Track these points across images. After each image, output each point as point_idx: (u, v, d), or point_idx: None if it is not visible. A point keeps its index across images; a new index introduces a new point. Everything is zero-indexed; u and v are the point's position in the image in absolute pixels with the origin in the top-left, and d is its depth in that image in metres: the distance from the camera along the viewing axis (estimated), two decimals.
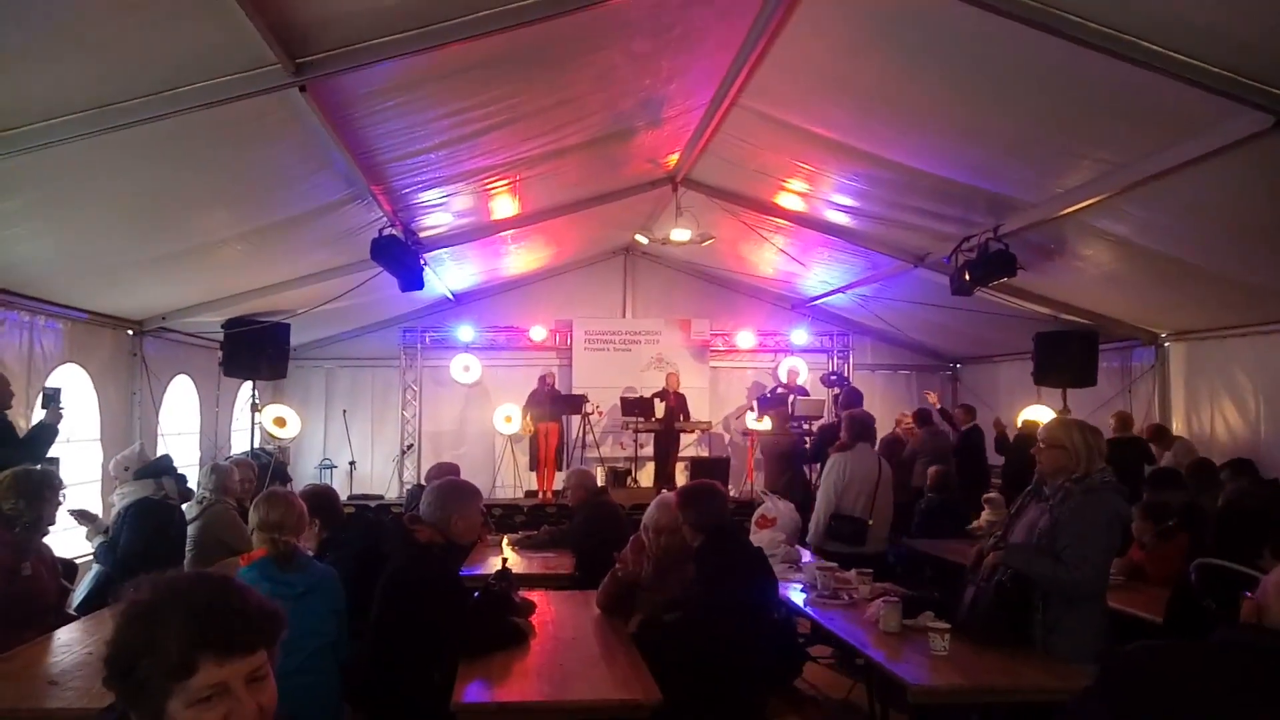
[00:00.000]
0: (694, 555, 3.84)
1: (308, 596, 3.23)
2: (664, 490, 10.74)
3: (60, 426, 5.72)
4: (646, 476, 11.98)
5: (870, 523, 5.86)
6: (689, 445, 12.49)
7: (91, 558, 5.22)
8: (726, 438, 13.04)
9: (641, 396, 11.80)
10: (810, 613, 4.37)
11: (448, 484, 3.77)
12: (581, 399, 11.92)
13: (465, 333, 12.55)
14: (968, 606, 3.68)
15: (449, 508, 3.57)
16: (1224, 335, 8.30)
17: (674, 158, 8.54)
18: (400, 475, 12.39)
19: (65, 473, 6.27)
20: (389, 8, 4.21)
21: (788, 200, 8.78)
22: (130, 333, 8.08)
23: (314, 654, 3.19)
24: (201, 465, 8.14)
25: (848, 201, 8.24)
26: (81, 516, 5.22)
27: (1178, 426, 8.85)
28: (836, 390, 11.78)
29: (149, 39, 3.82)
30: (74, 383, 7.29)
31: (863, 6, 5.03)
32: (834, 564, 5.03)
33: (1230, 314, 7.95)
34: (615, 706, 2.98)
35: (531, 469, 12.05)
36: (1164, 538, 4.90)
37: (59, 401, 5.81)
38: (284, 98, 4.52)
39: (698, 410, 12.27)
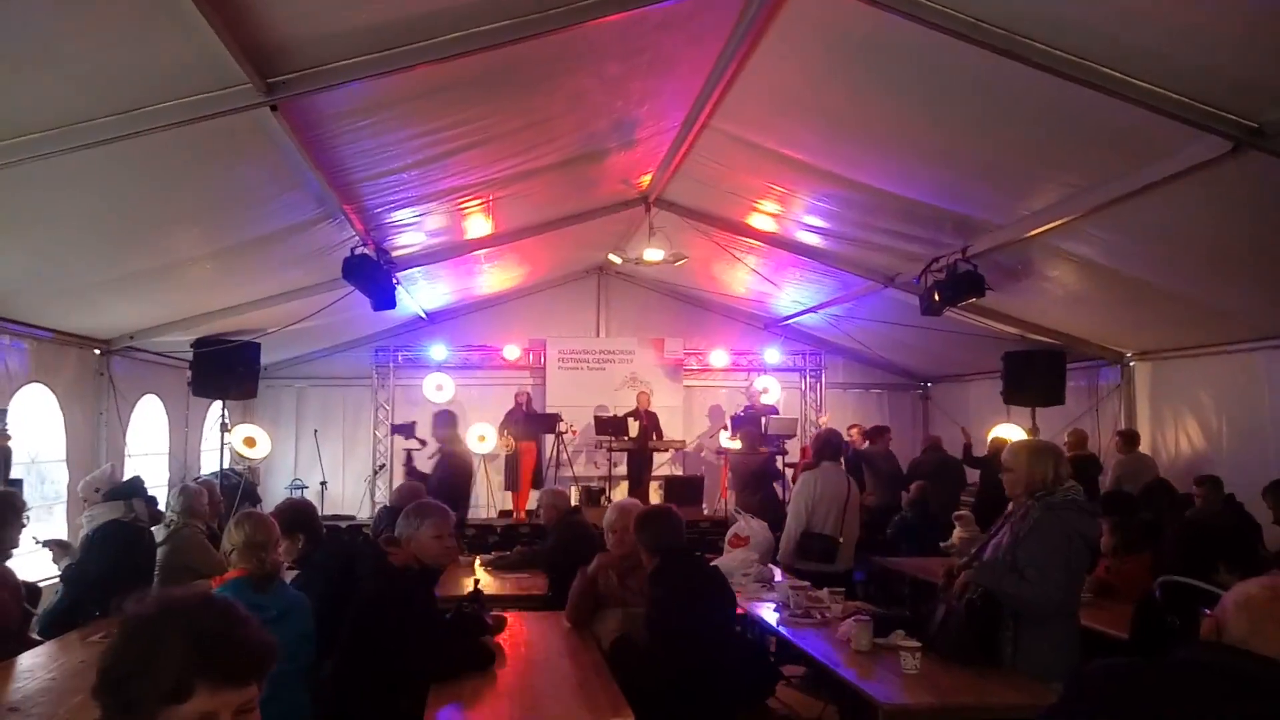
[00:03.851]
0: (649, 578, 3.86)
1: (279, 621, 3.19)
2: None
3: (11, 446, 5.65)
4: (620, 495, 11.94)
5: (840, 540, 5.91)
6: (663, 464, 12.49)
7: (58, 580, 5.13)
8: (703, 453, 13.04)
9: (615, 415, 11.79)
10: (782, 632, 4.39)
11: (416, 506, 3.76)
12: (555, 418, 11.90)
13: (438, 352, 12.50)
14: (939, 625, 3.71)
15: (421, 528, 3.55)
16: (1188, 355, 8.45)
17: (646, 178, 8.58)
18: (372, 495, 12.29)
19: (29, 494, 6.19)
20: (361, 29, 4.22)
21: (759, 221, 8.85)
22: (97, 352, 7.97)
23: (285, 679, 3.15)
24: (170, 486, 8.04)
25: (819, 222, 8.32)
26: (58, 546, 5.13)
27: (1144, 445, 8.97)
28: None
29: (118, 58, 3.80)
30: (39, 403, 7.20)
31: (832, 31, 5.10)
32: (806, 583, 5.05)
33: (1193, 334, 8.10)
34: None
35: (507, 489, 11.99)
36: (1128, 551, 4.97)
37: (3, 422, 5.75)
38: (255, 117, 4.50)
39: (671, 429, 12.28)
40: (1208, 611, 1.81)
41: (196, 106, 4.18)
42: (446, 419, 8.73)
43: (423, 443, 9.29)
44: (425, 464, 8.84)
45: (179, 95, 4.12)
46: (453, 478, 8.19)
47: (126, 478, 5.51)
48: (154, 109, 4.12)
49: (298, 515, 4.27)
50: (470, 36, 4.47)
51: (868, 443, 10.65)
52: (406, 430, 10.01)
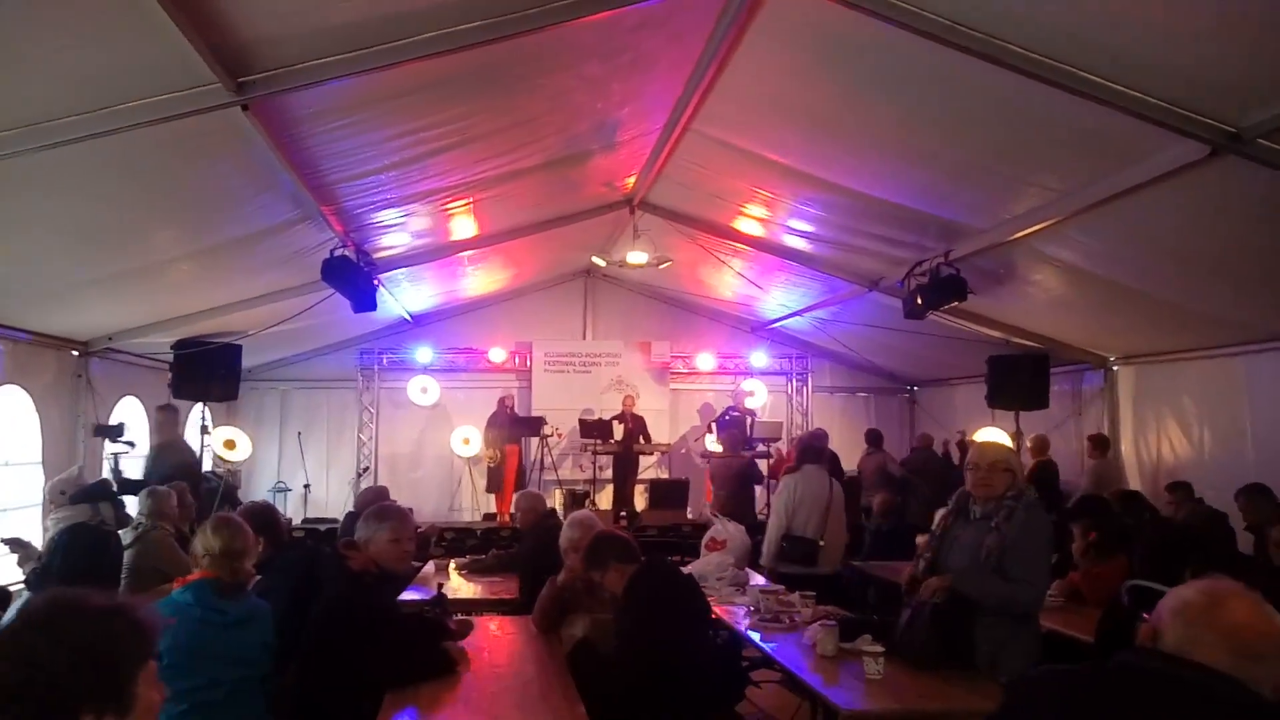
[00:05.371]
0: (627, 586, 3.82)
1: (239, 627, 3.16)
2: (622, 512, 10.83)
3: None
4: (606, 499, 11.92)
5: (821, 543, 5.89)
6: (648, 467, 12.46)
7: (23, 585, 5.08)
8: (684, 451, 12.99)
9: (600, 419, 11.76)
10: (751, 636, 4.36)
11: (375, 509, 3.73)
12: (540, 421, 11.86)
13: (423, 354, 12.46)
14: (903, 629, 3.69)
15: (379, 532, 3.52)
16: (1170, 359, 8.45)
17: (630, 181, 8.56)
18: (355, 500, 12.22)
19: (3, 497, 6.14)
20: (334, 28, 4.20)
21: (744, 224, 8.85)
22: (75, 353, 7.93)
23: (241, 685, 3.12)
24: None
25: (803, 226, 8.32)
26: (15, 545, 5.09)
27: (1126, 449, 9.00)
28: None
29: (82, 56, 3.78)
30: (15, 405, 7.15)
31: (810, 34, 5.09)
32: (779, 586, 5.03)
33: (1176, 338, 8.10)
34: None
35: (488, 491, 11.95)
36: (1102, 555, 4.96)
37: None
38: (226, 116, 4.47)
39: (658, 432, 12.24)
40: (1145, 616, 1.80)
41: (164, 106, 4.16)
42: (171, 413, 8.15)
43: (131, 445, 7.98)
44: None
45: (146, 95, 4.10)
46: (179, 472, 7.48)
47: (94, 480, 5.45)
48: (121, 108, 4.10)
49: (259, 518, 4.21)
50: (445, 36, 4.46)
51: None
52: (113, 432, 8.18)
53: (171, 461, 7.57)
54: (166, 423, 7.84)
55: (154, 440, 8.00)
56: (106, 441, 7.66)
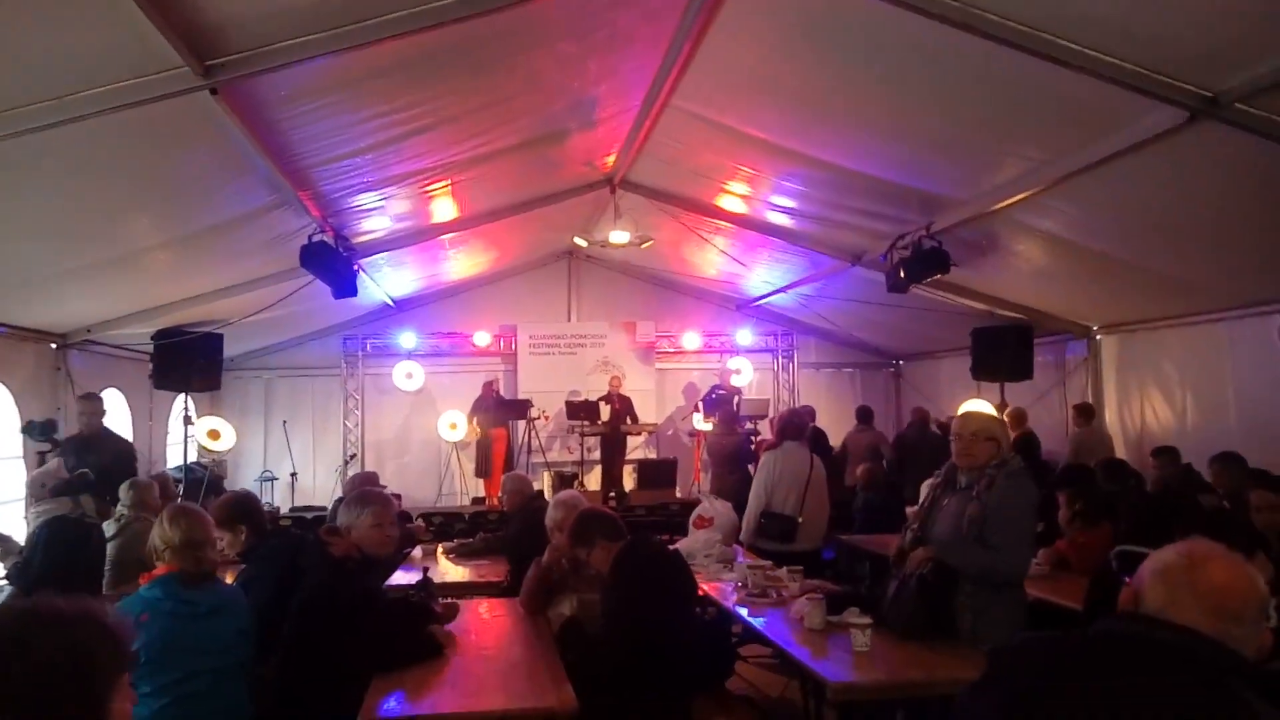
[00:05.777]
0: (612, 565, 3.80)
1: (213, 616, 3.12)
2: (611, 493, 10.83)
3: None
4: (594, 480, 11.92)
5: (800, 520, 5.88)
6: (636, 447, 12.46)
7: (4, 580, 5.04)
8: (671, 432, 13.00)
9: (587, 400, 11.75)
10: (739, 611, 4.35)
11: (356, 494, 3.69)
12: (526, 404, 11.84)
13: (407, 339, 12.40)
14: (890, 600, 3.69)
15: (361, 517, 3.50)
16: (1153, 327, 8.47)
17: (611, 159, 8.50)
18: (344, 486, 12.17)
19: None
20: (302, 8, 4.13)
21: (727, 201, 8.80)
22: (54, 346, 7.85)
23: (222, 675, 3.09)
24: None
25: (784, 202, 8.28)
26: None
27: (1110, 417, 9.04)
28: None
29: (43, 43, 3.70)
30: None
31: (785, 9, 5.04)
32: (767, 562, 5.03)
33: (1158, 306, 8.12)
34: (529, 715, 2.94)
35: (478, 475, 11.93)
36: (1087, 524, 4.98)
37: None
38: (195, 101, 4.40)
39: (644, 412, 12.24)
40: (1127, 580, 1.79)
41: (129, 92, 4.08)
42: (95, 403, 7.23)
43: (55, 444, 6.86)
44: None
45: (111, 81, 4.02)
46: (120, 463, 6.71)
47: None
48: (84, 95, 4.03)
49: (240, 507, 4.17)
50: (417, 15, 4.40)
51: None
52: (45, 430, 7.05)
53: (113, 450, 6.92)
54: (93, 414, 7.05)
55: (80, 432, 7.05)
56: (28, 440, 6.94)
